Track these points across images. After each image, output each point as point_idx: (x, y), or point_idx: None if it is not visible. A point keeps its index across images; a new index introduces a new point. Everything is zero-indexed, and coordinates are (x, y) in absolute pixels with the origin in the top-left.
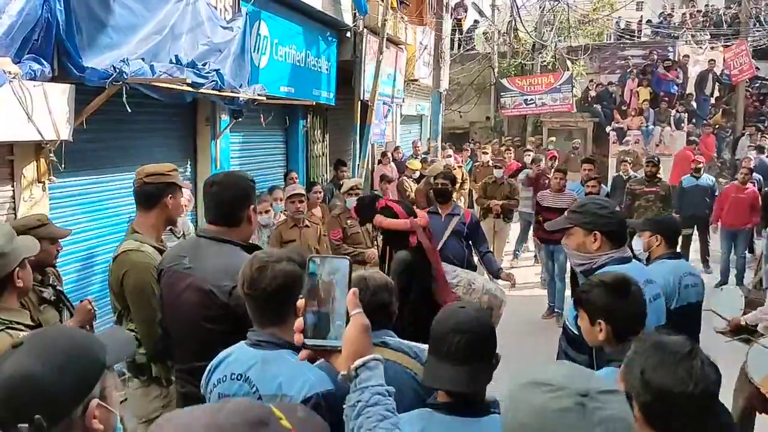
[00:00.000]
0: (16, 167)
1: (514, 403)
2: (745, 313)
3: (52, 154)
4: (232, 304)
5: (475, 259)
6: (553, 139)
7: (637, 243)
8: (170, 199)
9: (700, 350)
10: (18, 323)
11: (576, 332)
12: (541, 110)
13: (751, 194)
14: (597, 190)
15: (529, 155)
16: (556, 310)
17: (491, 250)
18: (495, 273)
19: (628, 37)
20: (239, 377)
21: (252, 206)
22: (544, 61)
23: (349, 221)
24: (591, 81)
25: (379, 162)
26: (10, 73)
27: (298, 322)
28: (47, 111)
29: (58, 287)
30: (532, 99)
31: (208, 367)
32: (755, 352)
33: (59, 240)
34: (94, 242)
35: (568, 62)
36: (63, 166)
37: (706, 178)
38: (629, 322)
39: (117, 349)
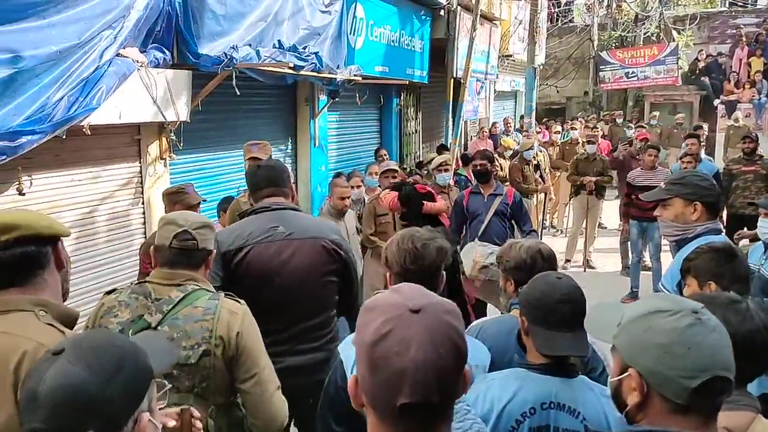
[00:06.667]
0: (142, 146)
1: (647, 333)
2: None
3: (172, 134)
4: (345, 255)
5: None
6: (656, 114)
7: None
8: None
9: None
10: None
11: None
12: (643, 84)
13: None
14: (693, 166)
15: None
16: (640, 296)
17: (534, 228)
18: None
19: (741, 4)
20: None
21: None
22: (648, 32)
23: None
24: (701, 51)
25: (477, 136)
26: (137, 61)
27: None
28: (169, 95)
29: None
30: (633, 72)
31: None
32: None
33: (197, 206)
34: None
35: (674, 32)
36: (181, 144)
37: None
38: (737, 284)
39: (158, 357)
